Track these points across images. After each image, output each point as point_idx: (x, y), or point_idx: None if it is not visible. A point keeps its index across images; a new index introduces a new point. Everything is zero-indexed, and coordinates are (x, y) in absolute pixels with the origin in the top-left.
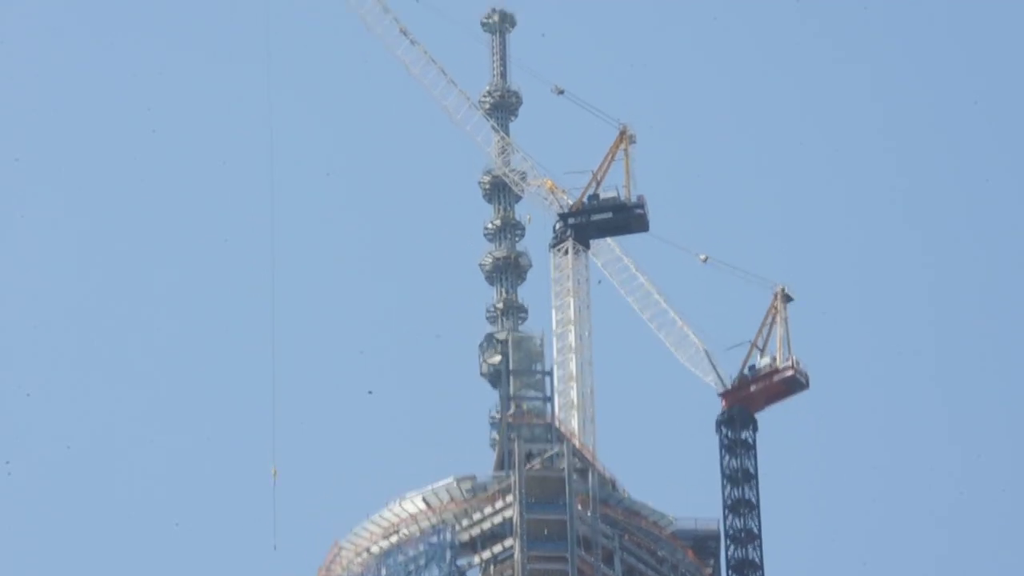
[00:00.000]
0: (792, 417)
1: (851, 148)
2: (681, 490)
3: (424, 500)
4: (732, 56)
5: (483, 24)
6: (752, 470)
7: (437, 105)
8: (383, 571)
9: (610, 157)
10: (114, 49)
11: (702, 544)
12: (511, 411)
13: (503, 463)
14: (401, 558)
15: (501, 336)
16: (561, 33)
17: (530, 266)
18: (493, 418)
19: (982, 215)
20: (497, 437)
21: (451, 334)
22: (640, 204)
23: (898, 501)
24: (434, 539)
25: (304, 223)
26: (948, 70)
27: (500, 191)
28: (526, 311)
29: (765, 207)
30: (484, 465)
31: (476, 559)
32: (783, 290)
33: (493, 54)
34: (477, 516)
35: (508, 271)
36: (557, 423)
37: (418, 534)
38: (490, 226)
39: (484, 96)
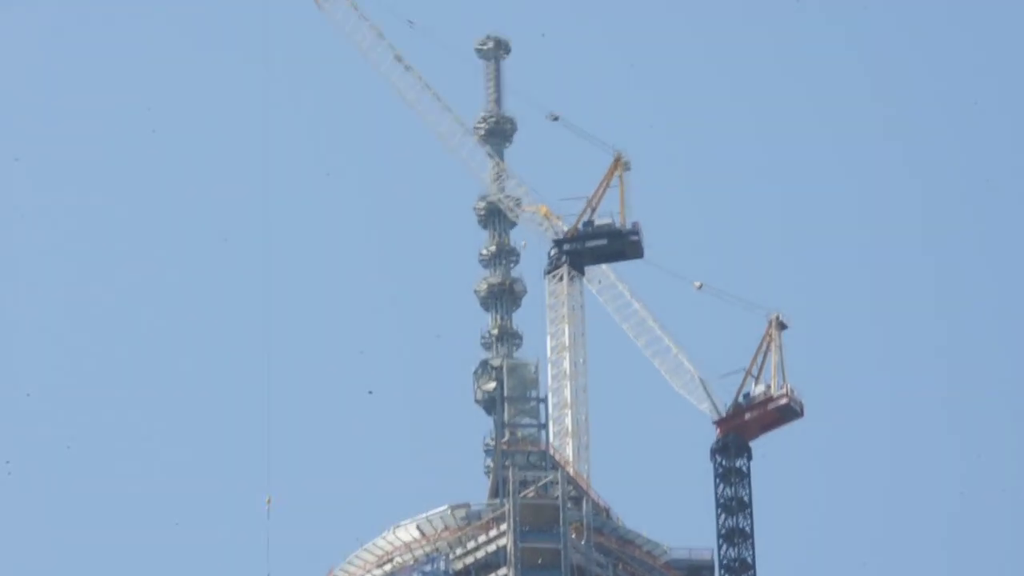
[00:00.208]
0: (787, 445)
1: (847, 177)
2: (675, 519)
3: (418, 528)
4: (727, 83)
5: (478, 50)
6: (746, 499)
7: (432, 131)
8: None
9: (605, 184)
10: (114, 49)
11: (696, 573)
12: (505, 438)
13: (497, 491)
14: None
15: (496, 363)
16: (556, 59)
17: (525, 292)
18: (487, 445)
19: (983, 242)
20: (491, 464)
21: (445, 361)
22: (635, 231)
23: (894, 530)
24: (428, 567)
25: (297, 251)
26: (948, 72)
27: (495, 217)
28: (521, 337)
29: (760, 234)
30: (478, 493)
31: None
32: (778, 317)
33: (488, 80)
34: (471, 544)
35: (503, 297)
36: (551, 450)
37: (412, 562)
38: (485, 252)
39: (479, 122)
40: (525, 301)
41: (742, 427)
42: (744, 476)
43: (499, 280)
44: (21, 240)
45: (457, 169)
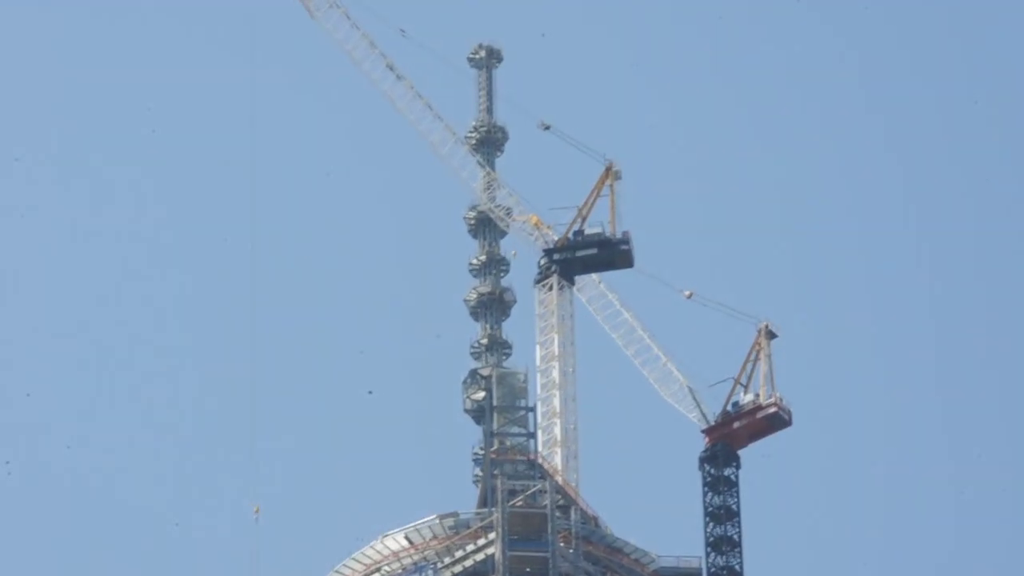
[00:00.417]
0: (775, 454)
1: (835, 186)
2: (664, 527)
3: (407, 537)
4: (718, 93)
5: (469, 59)
6: (735, 507)
7: (423, 140)
8: None
9: (595, 193)
10: (113, 49)
11: None
12: (494, 447)
13: (486, 500)
14: None
15: (485, 372)
16: (547, 69)
17: (515, 302)
18: (476, 454)
19: (975, 251)
20: (480, 473)
21: (434, 370)
22: (625, 240)
23: (882, 539)
24: None
25: (287, 258)
26: (947, 77)
27: (485, 226)
28: (510, 347)
29: (749, 244)
30: (467, 502)
31: None
32: (767, 326)
33: (479, 89)
34: (459, 553)
35: (493, 307)
36: (540, 459)
37: (400, 571)
38: (475, 262)
39: (470, 131)
40: (515, 310)
41: (731, 436)
42: (732, 485)
43: (489, 289)
44: (21, 240)
45: (448, 178)
